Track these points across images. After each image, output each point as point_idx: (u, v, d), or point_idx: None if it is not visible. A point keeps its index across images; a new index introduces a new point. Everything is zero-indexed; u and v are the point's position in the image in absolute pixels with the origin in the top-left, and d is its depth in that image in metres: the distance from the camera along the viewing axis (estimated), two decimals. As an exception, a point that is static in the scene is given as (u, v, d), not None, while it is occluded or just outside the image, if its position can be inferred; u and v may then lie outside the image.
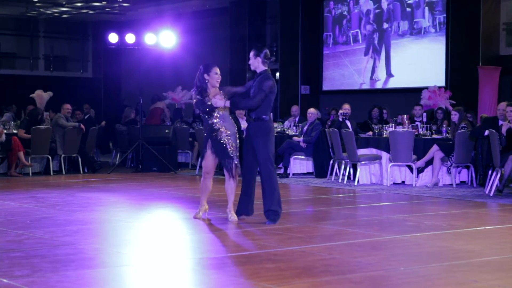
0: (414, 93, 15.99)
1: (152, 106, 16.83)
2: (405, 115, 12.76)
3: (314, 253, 6.13)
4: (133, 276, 5.46)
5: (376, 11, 17.84)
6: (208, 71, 7.74)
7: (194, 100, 7.81)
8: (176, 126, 15.27)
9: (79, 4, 19.96)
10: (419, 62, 16.95)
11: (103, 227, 7.75)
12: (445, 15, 16.46)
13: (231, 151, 7.71)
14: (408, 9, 17.17)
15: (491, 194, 10.32)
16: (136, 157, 14.90)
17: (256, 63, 7.77)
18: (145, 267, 5.69)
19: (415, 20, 17.04)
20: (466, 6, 16.12)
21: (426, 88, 15.36)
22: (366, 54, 18.02)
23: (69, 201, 9.72)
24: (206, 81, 7.72)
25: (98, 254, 6.17)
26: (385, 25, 17.61)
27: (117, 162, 15.51)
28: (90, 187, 11.66)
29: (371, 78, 17.96)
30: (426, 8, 16.81)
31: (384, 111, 14.63)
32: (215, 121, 7.73)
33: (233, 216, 7.80)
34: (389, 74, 17.55)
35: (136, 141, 14.45)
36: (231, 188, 7.77)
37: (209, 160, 7.81)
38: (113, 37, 14.77)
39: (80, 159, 14.06)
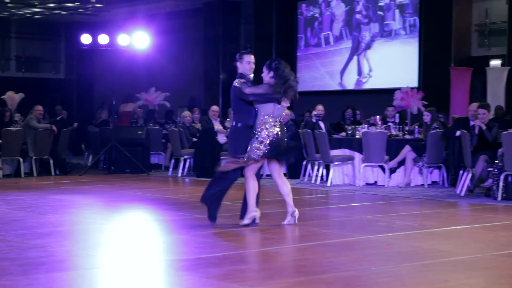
0: (387, 94, 16.08)
1: (122, 108, 16.75)
2: (378, 116, 12.82)
3: (287, 254, 6.14)
4: (105, 278, 5.42)
5: (348, 13, 17.95)
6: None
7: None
8: (149, 127, 15.20)
9: (51, 5, 19.80)
10: (391, 63, 17.06)
11: (75, 230, 7.69)
12: (415, 17, 16.61)
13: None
14: (379, 12, 17.32)
15: (462, 194, 10.41)
16: (109, 158, 14.81)
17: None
18: (118, 269, 5.65)
19: (385, 22, 17.20)
20: (438, 8, 16.25)
21: (399, 89, 15.45)
22: (338, 55, 18.11)
23: (41, 203, 9.63)
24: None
25: (69, 257, 6.12)
26: (357, 28, 17.72)
27: (89, 164, 15.41)
28: (62, 189, 11.56)
29: (343, 79, 18.05)
30: (397, 10, 16.97)
31: (357, 112, 14.70)
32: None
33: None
34: (362, 75, 17.65)
35: (109, 142, 14.36)
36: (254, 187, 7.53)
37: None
38: (86, 38, 14.67)
39: (51, 161, 13.93)
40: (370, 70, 17.52)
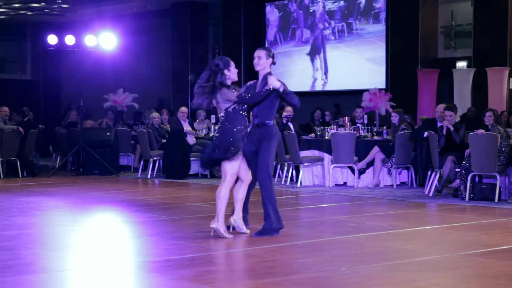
0: (355, 95, 16.18)
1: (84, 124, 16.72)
2: (346, 117, 12.90)
3: (256, 255, 6.14)
4: (75, 281, 5.37)
5: (281, 19, 18.46)
6: (228, 67, 7.38)
7: (236, 94, 7.12)
8: (118, 128, 15.11)
9: (17, 5, 19.57)
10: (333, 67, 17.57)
11: (43, 232, 7.61)
12: (343, 23, 17.12)
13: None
14: (310, 17, 17.80)
15: (431, 194, 10.50)
16: (77, 160, 14.68)
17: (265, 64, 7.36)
18: (87, 272, 5.60)
19: (320, 28, 17.88)
20: (405, 10, 16.41)
21: (367, 90, 15.55)
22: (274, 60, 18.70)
23: (7, 205, 9.51)
24: (228, 77, 7.41)
25: (37, 259, 6.05)
26: (292, 34, 18.21)
27: (57, 166, 15.25)
28: (29, 191, 11.44)
29: (297, 81, 18.29)
30: (327, 16, 17.62)
31: (326, 113, 14.76)
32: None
33: (244, 229, 7.14)
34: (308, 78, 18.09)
35: (77, 144, 14.25)
36: (243, 194, 7.08)
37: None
38: (52, 39, 14.54)
39: (19, 163, 13.78)
40: (316, 74, 18.02)
